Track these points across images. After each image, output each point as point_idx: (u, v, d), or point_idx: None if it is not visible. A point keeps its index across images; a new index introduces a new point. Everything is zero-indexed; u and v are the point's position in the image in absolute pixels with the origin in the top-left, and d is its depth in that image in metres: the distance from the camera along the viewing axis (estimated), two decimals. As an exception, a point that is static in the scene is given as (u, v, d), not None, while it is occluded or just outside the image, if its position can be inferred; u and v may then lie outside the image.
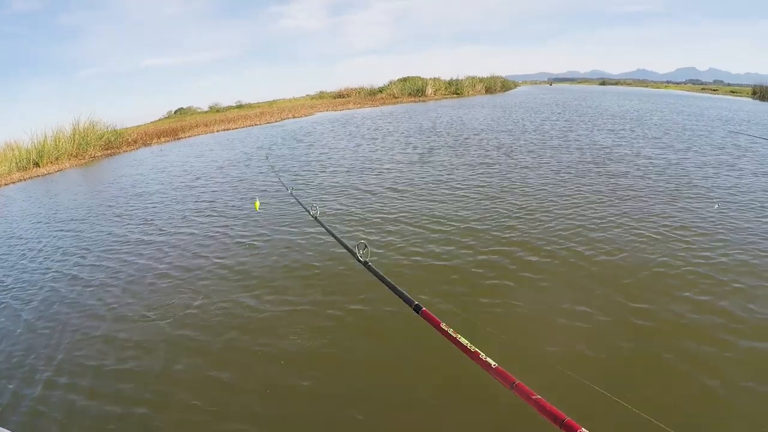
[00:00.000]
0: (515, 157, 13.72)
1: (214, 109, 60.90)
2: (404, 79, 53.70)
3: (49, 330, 6.26)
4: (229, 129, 34.03)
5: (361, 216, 9.29)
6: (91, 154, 27.91)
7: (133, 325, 6.05)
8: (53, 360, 5.49)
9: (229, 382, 4.65)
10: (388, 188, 11.13)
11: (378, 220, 8.96)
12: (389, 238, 7.93)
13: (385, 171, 13.03)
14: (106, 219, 11.78)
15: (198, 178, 15.46)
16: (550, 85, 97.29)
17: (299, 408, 4.20)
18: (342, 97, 56.44)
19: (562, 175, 11.33)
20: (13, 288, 7.95)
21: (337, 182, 12.26)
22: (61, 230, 11.35)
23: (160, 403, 4.44)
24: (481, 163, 13.12)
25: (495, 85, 55.59)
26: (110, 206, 13.19)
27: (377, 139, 19.59)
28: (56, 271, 8.47)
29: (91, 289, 7.42)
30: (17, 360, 5.63)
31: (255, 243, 8.46)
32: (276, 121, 35.59)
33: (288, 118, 37.22)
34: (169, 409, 4.35)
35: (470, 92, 51.16)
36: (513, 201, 9.48)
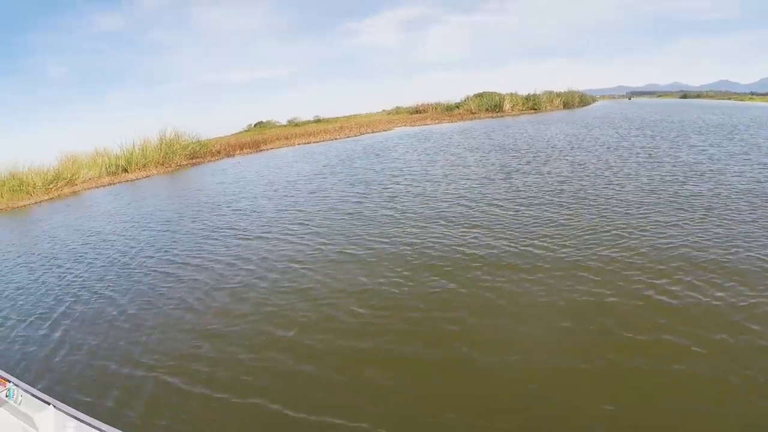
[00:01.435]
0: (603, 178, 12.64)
1: (293, 123, 62.13)
2: (481, 95, 53.21)
3: (142, 319, 6.75)
4: (309, 143, 34.84)
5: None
6: (177, 163, 29.60)
7: (220, 319, 6.38)
8: (145, 345, 5.93)
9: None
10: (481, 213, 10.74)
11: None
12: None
13: (468, 192, 12.54)
14: (192, 222, 12.40)
15: (276, 189, 15.85)
16: (629, 99, 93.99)
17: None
18: (419, 112, 56.31)
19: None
20: (115, 281, 8.62)
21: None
22: (154, 230, 12.10)
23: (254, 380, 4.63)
24: (563, 188, 12.07)
25: (573, 100, 54.21)
26: (198, 210, 13.88)
27: (461, 155, 19.07)
28: (149, 266, 9.11)
29: (181, 284, 7.89)
30: (115, 343, 6.09)
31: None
32: (355, 136, 36.06)
33: (366, 132, 37.62)
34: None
35: (548, 107, 50.21)
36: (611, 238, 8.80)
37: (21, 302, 8.37)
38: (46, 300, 8.20)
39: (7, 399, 3.41)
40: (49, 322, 7.15)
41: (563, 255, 7.23)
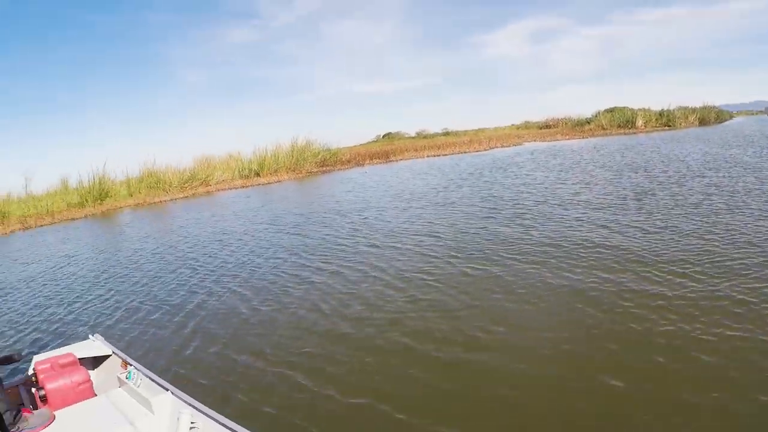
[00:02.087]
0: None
1: (421, 135, 62.34)
2: (612, 110, 50.83)
3: (274, 318, 6.55)
4: (439, 155, 34.45)
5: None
6: (307, 170, 30.47)
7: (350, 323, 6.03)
8: (276, 344, 5.65)
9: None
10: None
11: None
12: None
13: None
14: (323, 227, 12.21)
15: (405, 200, 15.28)
16: None
17: None
18: (548, 127, 54.77)
19: None
20: (248, 280, 8.50)
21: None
22: (285, 233, 12.07)
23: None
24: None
25: (709, 116, 50.43)
26: (328, 216, 13.73)
27: (592, 172, 16.73)
28: (281, 269, 8.91)
29: (314, 288, 7.57)
30: (247, 339, 5.86)
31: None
32: (484, 150, 35.30)
33: (496, 147, 36.77)
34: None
35: (682, 124, 47.02)
36: None
37: (156, 291, 8.50)
38: (180, 292, 8.25)
39: (127, 380, 3.58)
40: (183, 313, 7.14)
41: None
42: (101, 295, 8.71)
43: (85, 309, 8.05)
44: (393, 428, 3.90)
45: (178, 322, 6.80)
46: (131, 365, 3.84)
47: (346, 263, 8.72)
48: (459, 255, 8.40)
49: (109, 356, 4.39)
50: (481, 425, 3.84)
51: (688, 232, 8.41)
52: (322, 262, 8.95)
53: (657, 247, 7.70)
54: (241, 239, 11.94)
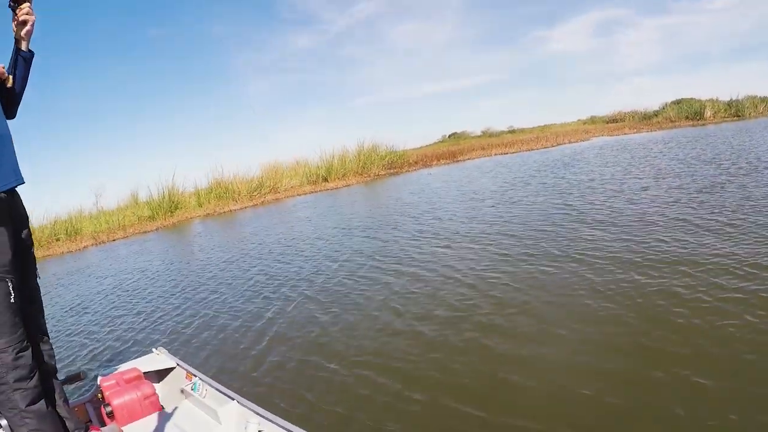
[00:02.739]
0: None
1: (487, 134, 61.10)
2: (679, 101, 48.73)
3: (354, 324, 6.22)
4: (507, 153, 33.59)
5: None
6: (375, 173, 30.23)
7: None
8: (358, 348, 5.24)
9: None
10: None
11: None
12: None
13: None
14: (394, 229, 11.83)
15: (475, 199, 14.57)
16: None
17: None
18: (615, 121, 52.96)
19: None
20: (324, 286, 8.19)
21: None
22: (357, 236, 11.77)
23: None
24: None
25: (779, 105, 47.83)
26: (399, 219, 13.30)
27: (662, 166, 15.45)
28: (358, 274, 8.54)
29: (392, 293, 7.17)
30: (330, 345, 5.51)
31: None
32: (552, 146, 34.19)
33: (563, 143, 35.57)
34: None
35: (752, 114, 44.62)
36: None
37: (231, 300, 8.28)
38: (255, 300, 8.01)
39: (192, 392, 3.63)
40: (262, 321, 6.87)
41: None
42: (177, 306, 8.58)
43: (160, 321, 7.93)
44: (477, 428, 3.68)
45: (258, 330, 6.54)
46: (196, 376, 3.85)
47: (422, 265, 8.32)
48: (533, 253, 7.89)
49: (173, 368, 4.38)
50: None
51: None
52: (398, 265, 8.60)
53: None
54: (314, 244, 11.69)
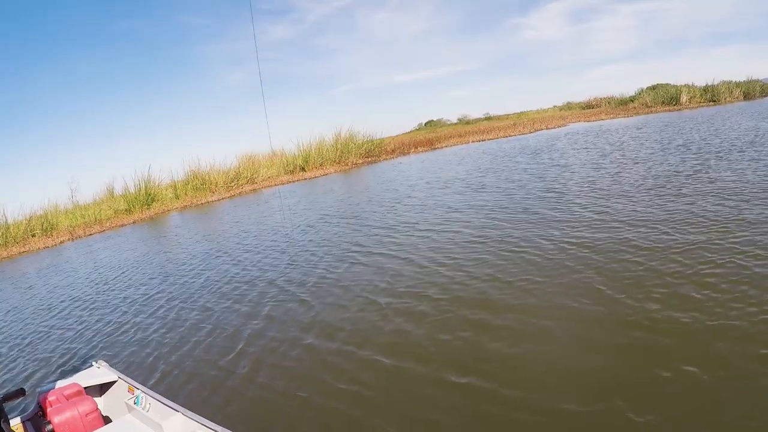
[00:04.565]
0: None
1: (463, 121, 61.12)
2: (655, 87, 48.99)
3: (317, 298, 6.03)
4: (483, 140, 33.44)
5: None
6: (352, 162, 29.98)
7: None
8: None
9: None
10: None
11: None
12: None
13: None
14: (371, 216, 11.68)
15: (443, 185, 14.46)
16: None
17: None
18: (591, 107, 53.15)
19: None
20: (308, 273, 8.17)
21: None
22: (336, 224, 11.62)
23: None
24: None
25: (754, 90, 48.11)
26: (373, 205, 13.12)
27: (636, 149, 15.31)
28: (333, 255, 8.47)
29: (369, 269, 7.41)
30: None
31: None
32: (528, 133, 34.14)
33: (540, 129, 35.57)
34: None
35: (727, 99, 44.93)
36: None
37: (226, 290, 8.10)
38: (250, 293, 7.72)
39: (135, 406, 3.52)
40: (256, 312, 6.75)
41: None
42: (124, 312, 8.24)
43: (104, 331, 7.44)
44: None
45: (257, 324, 6.36)
46: (138, 389, 3.78)
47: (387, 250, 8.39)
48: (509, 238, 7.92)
49: (115, 382, 4.29)
50: None
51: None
52: (371, 249, 8.65)
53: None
54: (287, 233, 11.46)
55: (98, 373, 4.33)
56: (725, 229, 6.59)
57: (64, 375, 5.43)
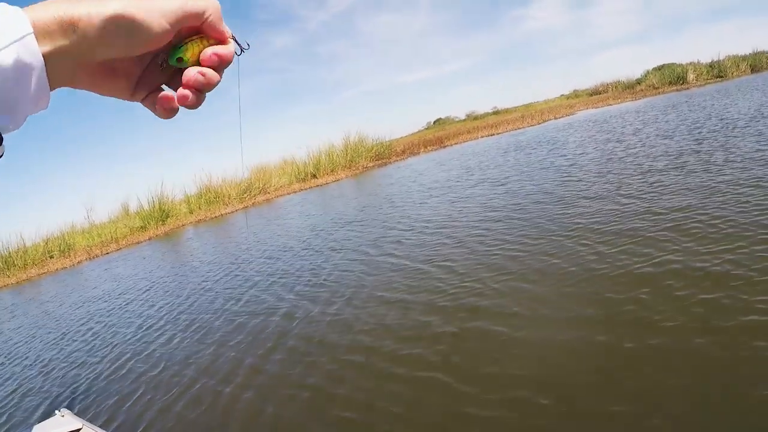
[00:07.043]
0: None
1: (471, 117, 60.65)
2: (661, 68, 48.27)
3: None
4: (492, 134, 32.97)
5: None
6: (363, 165, 29.62)
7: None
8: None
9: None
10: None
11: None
12: None
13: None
14: (382, 222, 11.30)
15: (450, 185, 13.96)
16: None
17: None
18: (598, 93, 52.33)
19: None
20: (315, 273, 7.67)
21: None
22: (349, 229, 11.24)
23: None
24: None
25: (761, 63, 47.16)
26: (381, 211, 12.77)
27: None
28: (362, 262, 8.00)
29: (380, 276, 6.86)
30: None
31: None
32: (537, 124, 33.61)
33: (549, 119, 35.04)
34: None
35: (734, 73, 44.09)
36: None
37: (246, 300, 7.83)
38: (268, 299, 7.49)
39: None
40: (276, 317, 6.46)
41: None
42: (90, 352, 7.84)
43: (69, 376, 7.16)
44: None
45: (277, 327, 5.96)
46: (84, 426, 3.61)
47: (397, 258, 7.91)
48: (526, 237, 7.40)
49: (79, 431, 3.97)
50: None
51: None
52: (381, 255, 8.27)
53: None
54: (306, 240, 11.14)
55: (61, 422, 4.09)
56: None
57: (24, 428, 5.21)
